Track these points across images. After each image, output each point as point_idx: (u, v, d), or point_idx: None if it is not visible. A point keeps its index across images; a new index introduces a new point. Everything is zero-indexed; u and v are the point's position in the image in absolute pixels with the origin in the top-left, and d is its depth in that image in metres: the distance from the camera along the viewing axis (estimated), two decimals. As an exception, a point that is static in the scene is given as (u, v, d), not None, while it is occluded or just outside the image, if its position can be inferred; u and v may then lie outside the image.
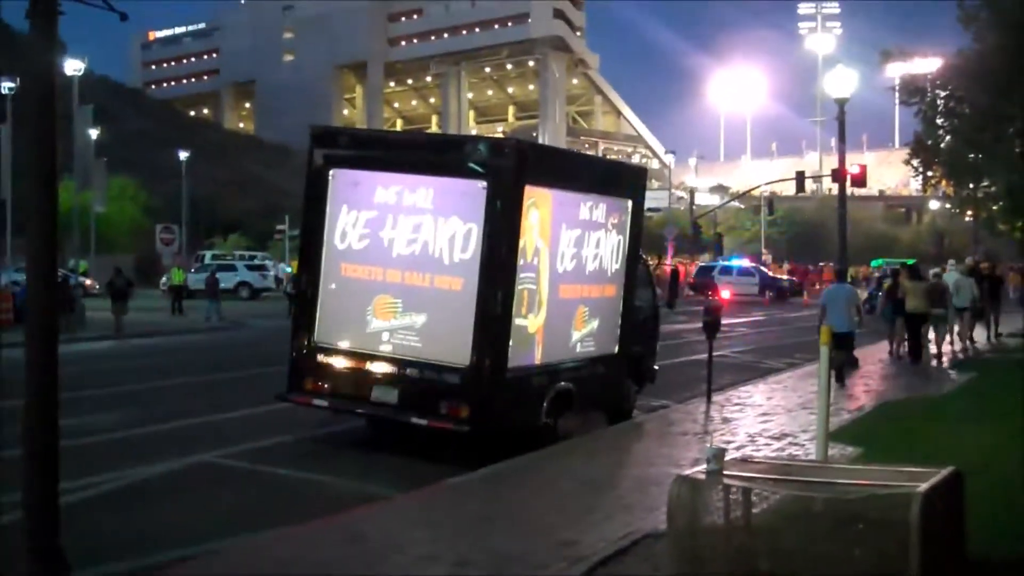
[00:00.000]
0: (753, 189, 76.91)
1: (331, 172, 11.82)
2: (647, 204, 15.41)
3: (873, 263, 32.82)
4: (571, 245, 11.96)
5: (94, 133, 31.80)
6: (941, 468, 5.80)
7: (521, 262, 11.00)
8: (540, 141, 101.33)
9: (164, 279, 36.14)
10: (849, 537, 5.51)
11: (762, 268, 60.95)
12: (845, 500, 5.61)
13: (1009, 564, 6.84)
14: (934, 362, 21.61)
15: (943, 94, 34.38)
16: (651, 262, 28.69)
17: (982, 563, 6.42)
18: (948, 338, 23.33)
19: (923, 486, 5.40)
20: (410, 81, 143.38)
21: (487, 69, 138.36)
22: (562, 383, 12.06)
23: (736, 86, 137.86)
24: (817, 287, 60.60)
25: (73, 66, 30.90)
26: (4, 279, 31.73)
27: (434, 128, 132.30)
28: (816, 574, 5.50)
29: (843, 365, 17.71)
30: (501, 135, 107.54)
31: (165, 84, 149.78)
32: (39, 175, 5.84)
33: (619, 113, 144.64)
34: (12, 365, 6.56)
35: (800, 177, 54.22)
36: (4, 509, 7.67)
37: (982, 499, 6.99)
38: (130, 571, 7.32)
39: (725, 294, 36.11)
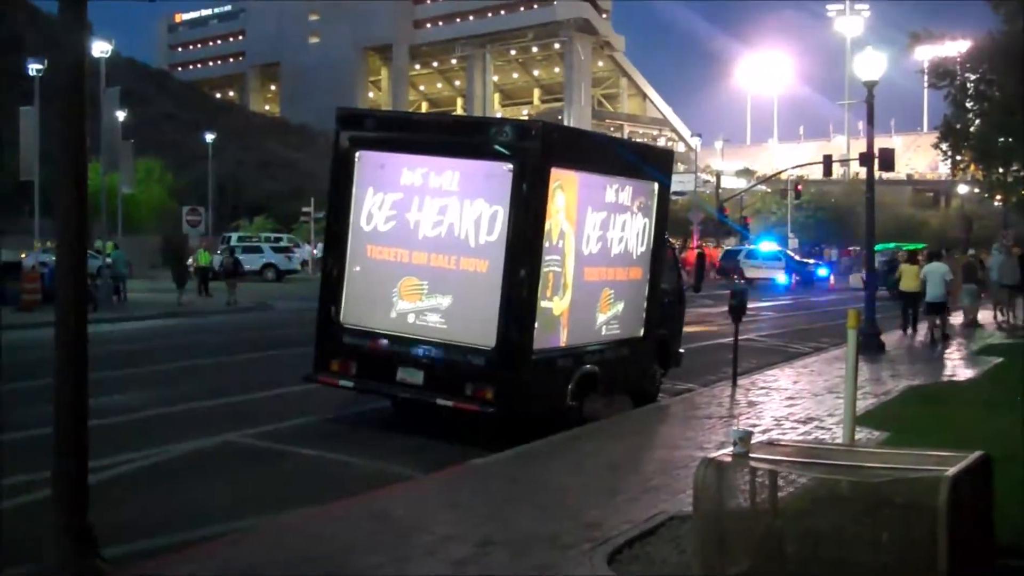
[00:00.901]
0: (780, 173, 76.42)
1: (357, 154, 11.82)
2: (673, 187, 15.33)
3: (878, 247, 32.77)
4: (597, 228, 11.92)
5: (121, 115, 31.94)
6: (969, 453, 5.74)
7: (547, 245, 10.98)
8: (566, 124, 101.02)
9: (190, 260, 36.43)
10: (876, 521, 5.46)
11: (789, 252, 60.62)
12: (872, 484, 5.56)
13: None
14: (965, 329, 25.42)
15: (973, 77, 33.87)
16: (676, 245, 28.69)
17: (1011, 549, 6.36)
18: (976, 315, 26.57)
19: (951, 470, 5.34)
20: (435, 64, 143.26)
21: (512, 52, 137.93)
22: (587, 366, 12.06)
23: (763, 69, 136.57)
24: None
25: (100, 48, 30.93)
26: (32, 260, 32.05)
27: (459, 111, 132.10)
28: (842, 558, 5.47)
29: (944, 326, 22.74)
30: (527, 118, 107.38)
31: (191, 66, 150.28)
32: (68, 157, 5.85)
33: (645, 96, 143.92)
34: (41, 344, 6.59)
35: (827, 161, 53.73)
36: (33, 487, 7.76)
37: (1012, 485, 6.93)
38: (157, 549, 7.37)
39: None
